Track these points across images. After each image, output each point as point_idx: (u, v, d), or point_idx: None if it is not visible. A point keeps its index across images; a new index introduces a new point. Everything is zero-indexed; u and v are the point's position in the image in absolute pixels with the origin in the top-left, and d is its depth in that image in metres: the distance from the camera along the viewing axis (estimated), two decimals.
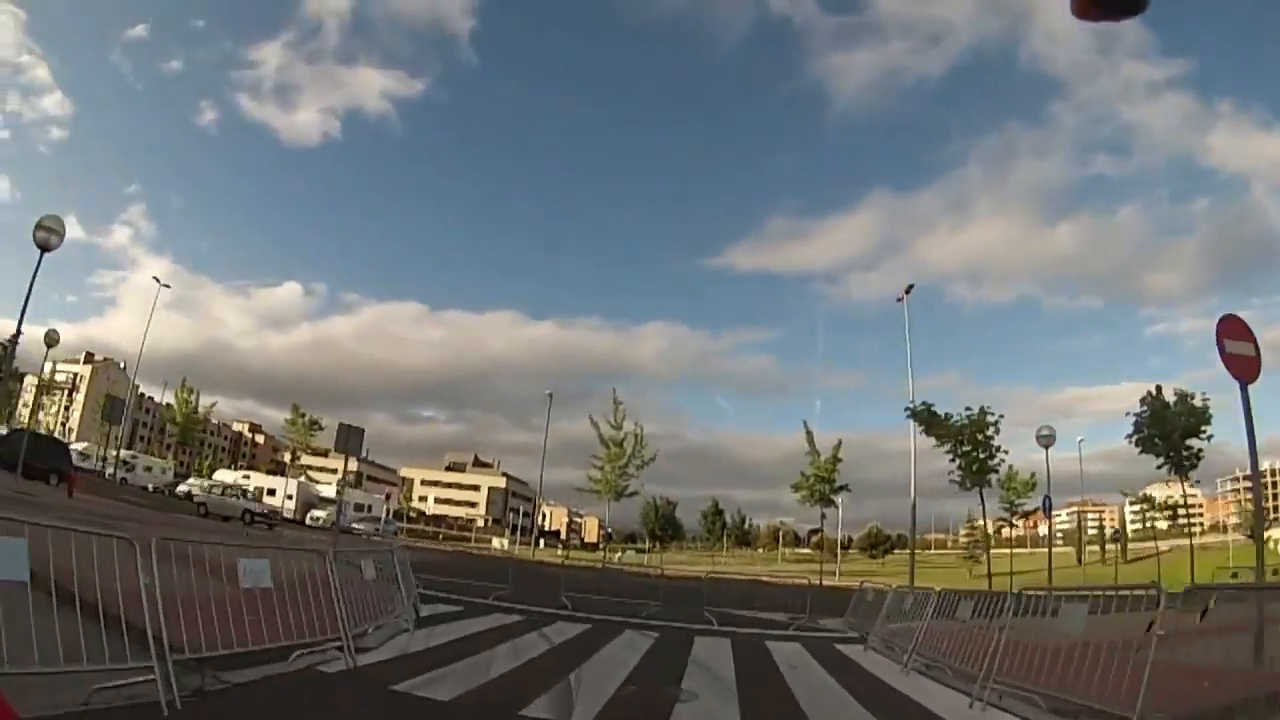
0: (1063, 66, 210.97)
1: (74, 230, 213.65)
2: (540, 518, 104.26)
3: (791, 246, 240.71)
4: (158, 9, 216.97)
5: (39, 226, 22.23)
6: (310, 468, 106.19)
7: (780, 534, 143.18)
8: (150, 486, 65.81)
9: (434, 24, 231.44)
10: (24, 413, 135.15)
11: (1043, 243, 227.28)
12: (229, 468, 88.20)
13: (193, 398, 59.30)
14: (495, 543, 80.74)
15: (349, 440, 23.69)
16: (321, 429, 50.67)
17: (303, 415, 50.64)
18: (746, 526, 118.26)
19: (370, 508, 66.80)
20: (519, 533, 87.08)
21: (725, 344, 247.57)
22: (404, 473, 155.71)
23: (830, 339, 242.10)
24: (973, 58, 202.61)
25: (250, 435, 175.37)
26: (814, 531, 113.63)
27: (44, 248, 22.55)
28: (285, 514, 60.22)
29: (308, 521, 59.93)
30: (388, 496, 72.37)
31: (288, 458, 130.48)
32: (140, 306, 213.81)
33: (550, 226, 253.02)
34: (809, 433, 49.92)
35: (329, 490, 66.66)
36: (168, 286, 56.06)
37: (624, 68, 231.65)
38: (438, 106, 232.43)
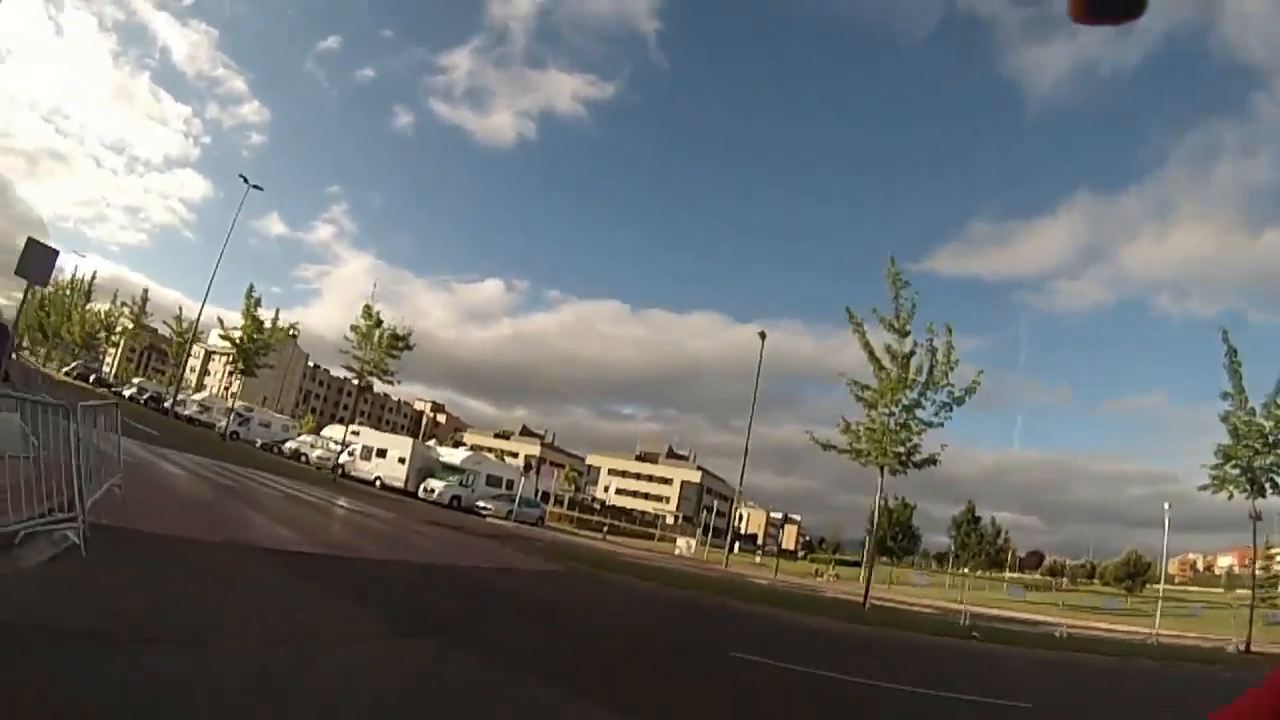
0: (1260, 54, 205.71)
1: (277, 227, 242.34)
2: (737, 519, 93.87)
3: (994, 251, 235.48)
4: (348, 21, 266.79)
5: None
6: (485, 448, 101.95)
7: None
8: (259, 442, 64.79)
9: (621, 26, 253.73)
10: (191, 378, 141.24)
11: (1249, 251, 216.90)
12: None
13: (258, 310, 50.17)
14: (680, 543, 70.49)
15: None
16: (408, 347, 41.17)
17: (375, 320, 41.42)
18: (1001, 542, 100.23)
19: (510, 483, 55.54)
20: (709, 533, 75.80)
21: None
22: (591, 460, 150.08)
23: (1033, 351, 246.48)
24: (1166, 45, 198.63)
25: (432, 414, 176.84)
26: (1033, 553, 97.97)
27: None
28: (391, 480, 54.49)
29: (420, 494, 52.96)
30: (529, 469, 60.45)
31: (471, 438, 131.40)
32: (342, 297, 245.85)
33: (747, 229, 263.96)
34: None
35: (455, 456, 59.31)
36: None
37: (812, 69, 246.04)
38: (631, 108, 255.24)
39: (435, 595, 13.00)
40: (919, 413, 26.78)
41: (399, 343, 42.58)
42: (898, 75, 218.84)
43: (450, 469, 55.85)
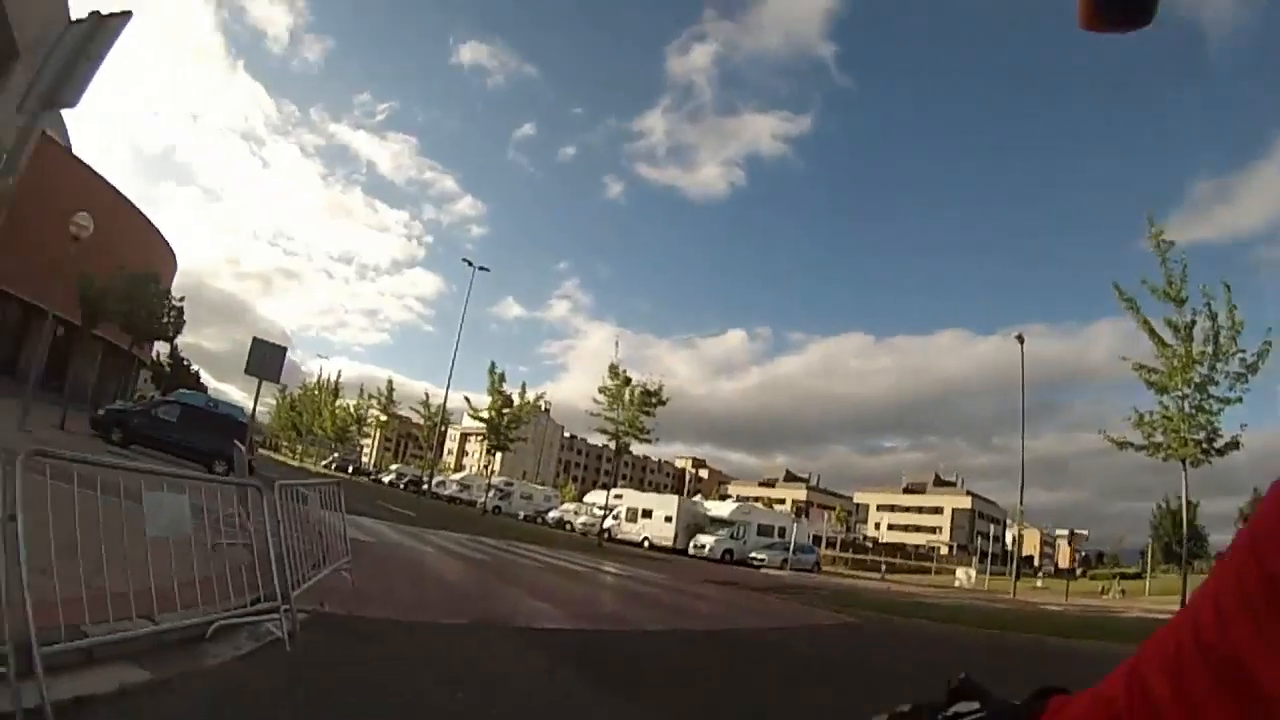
0: None
1: (515, 310, 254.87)
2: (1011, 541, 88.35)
3: (1219, 210, 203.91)
4: (537, 108, 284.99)
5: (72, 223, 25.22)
6: (752, 498, 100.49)
7: None
8: (521, 514, 65.48)
9: (798, 57, 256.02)
10: (449, 459, 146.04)
11: None
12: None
13: (503, 385, 50.08)
14: (959, 574, 65.76)
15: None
16: (661, 403, 39.81)
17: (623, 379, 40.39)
18: None
19: (782, 530, 53.42)
20: (989, 560, 71.51)
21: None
22: (858, 498, 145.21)
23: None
24: None
25: (694, 470, 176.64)
26: None
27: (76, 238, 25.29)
28: (659, 539, 53.01)
29: (690, 550, 51.16)
30: (800, 514, 57.88)
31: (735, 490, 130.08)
32: (589, 368, 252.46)
33: (971, 233, 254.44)
34: None
35: (723, 509, 57.34)
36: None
37: (980, 58, 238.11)
38: (830, 135, 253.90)
39: (724, 671, 10.98)
40: (1212, 389, 22.56)
41: (651, 399, 40.95)
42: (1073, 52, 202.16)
43: (720, 522, 53.87)
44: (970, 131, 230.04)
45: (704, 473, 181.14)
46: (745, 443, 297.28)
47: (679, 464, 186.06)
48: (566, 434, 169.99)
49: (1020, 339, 49.42)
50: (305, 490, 10.69)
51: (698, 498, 74.33)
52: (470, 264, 61.53)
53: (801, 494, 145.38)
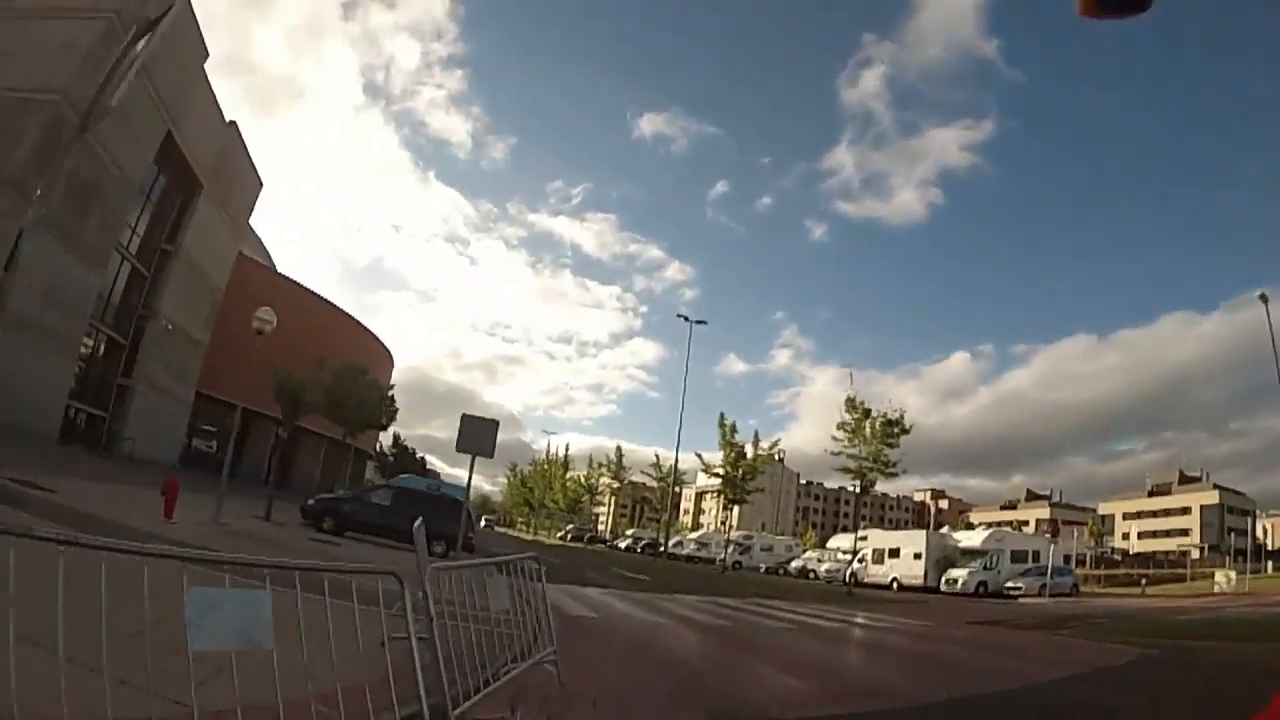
0: None
1: (737, 365, 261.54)
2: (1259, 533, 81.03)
3: None
4: (725, 165, 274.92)
5: (256, 319, 25.18)
6: (996, 523, 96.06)
7: None
8: (763, 567, 63.70)
9: (964, 60, 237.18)
10: (685, 519, 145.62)
11: None
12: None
13: (735, 436, 48.72)
14: (1219, 578, 59.22)
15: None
16: (904, 431, 37.52)
17: (863, 411, 38.24)
18: None
19: (1036, 554, 49.73)
20: (1246, 558, 65.80)
21: None
22: (1103, 509, 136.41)
23: None
24: None
25: (933, 502, 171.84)
26: None
27: (259, 332, 25.13)
28: (909, 579, 49.82)
29: (943, 587, 47.86)
30: (1052, 534, 53.70)
31: (978, 517, 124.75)
32: (818, 413, 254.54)
33: (1168, 206, 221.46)
34: None
35: (974, 539, 53.58)
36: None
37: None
38: (1013, 134, 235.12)
39: None
40: None
41: (893, 429, 38.42)
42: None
43: (971, 553, 50.19)
44: (1155, 97, 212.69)
45: (944, 503, 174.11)
46: (981, 467, 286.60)
47: (917, 497, 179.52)
48: (802, 480, 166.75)
49: (1264, 298, 44.03)
50: (488, 570, 8.93)
51: (944, 529, 71.08)
52: (686, 319, 60.96)
53: (1045, 512, 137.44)
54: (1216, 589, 56.33)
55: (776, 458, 53.89)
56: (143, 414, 46.74)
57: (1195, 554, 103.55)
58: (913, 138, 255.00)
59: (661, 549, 63.60)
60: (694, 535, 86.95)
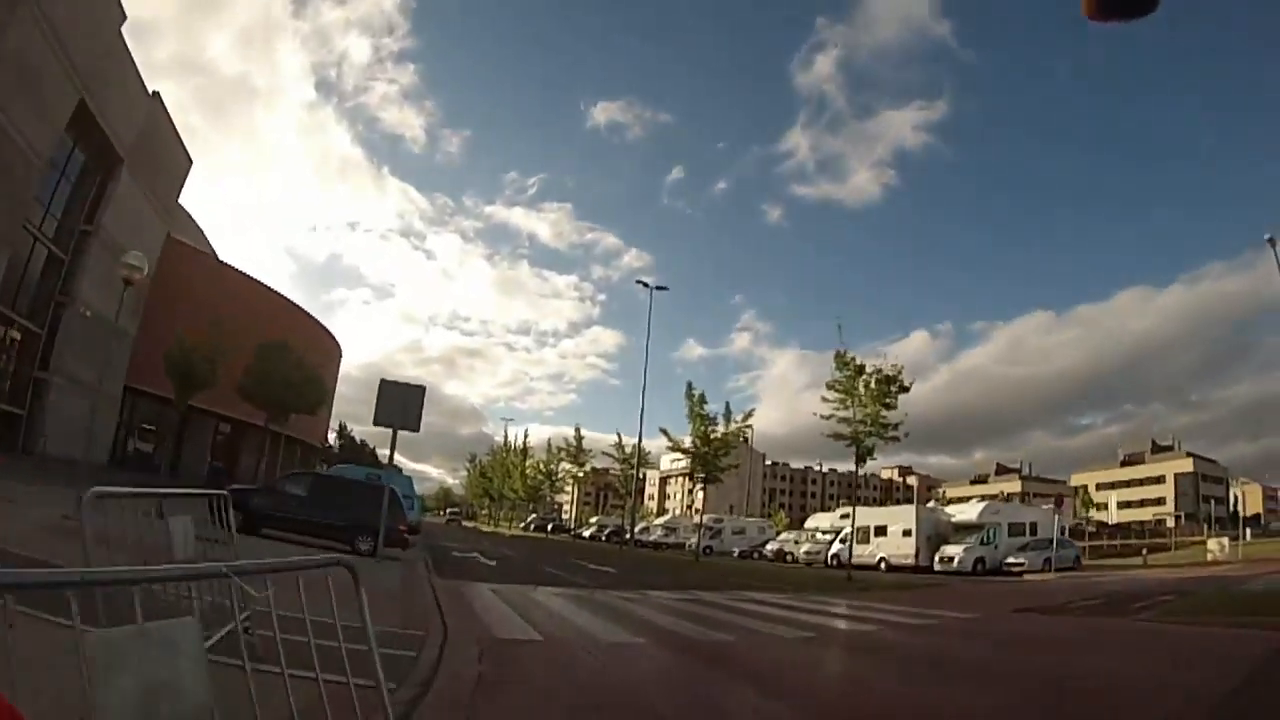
0: None
1: (697, 350, 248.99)
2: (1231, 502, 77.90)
3: None
4: (680, 152, 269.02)
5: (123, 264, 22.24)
6: (964, 498, 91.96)
7: None
8: (735, 551, 59.09)
9: (917, 41, 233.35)
10: (650, 504, 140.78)
11: None
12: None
13: (704, 407, 43.52)
14: (1212, 545, 54.86)
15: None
16: (904, 389, 32.04)
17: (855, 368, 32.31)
18: None
19: (1033, 526, 44.77)
20: (1224, 526, 63.01)
21: None
22: (1074, 480, 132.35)
23: None
24: None
25: (900, 479, 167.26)
26: None
27: (128, 281, 22.42)
28: (898, 558, 44.24)
29: (936, 566, 42.66)
30: (1058, 502, 48.46)
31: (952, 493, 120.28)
32: (779, 395, 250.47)
33: (1126, 181, 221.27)
34: None
35: (969, 512, 47.58)
36: None
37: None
38: (967, 114, 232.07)
39: None
40: None
41: (890, 387, 32.59)
42: None
43: (966, 528, 44.59)
44: (1107, 73, 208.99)
45: (911, 480, 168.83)
46: (942, 444, 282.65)
47: (884, 474, 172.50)
48: (768, 461, 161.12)
49: (1271, 242, 38.44)
50: None
51: (932, 504, 66.05)
52: (646, 284, 55.46)
53: (1015, 485, 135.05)
54: (1210, 557, 52.45)
55: (745, 436, 47.71)
56: (61, 410, 40.69)
57: (1171, 522, 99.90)
58: (867, 120, 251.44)
59: (627, 536, 57.86)
60: (660, 520, 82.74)
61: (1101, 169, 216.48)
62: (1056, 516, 45.37)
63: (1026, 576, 38.96)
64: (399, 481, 36.02)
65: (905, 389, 32.33)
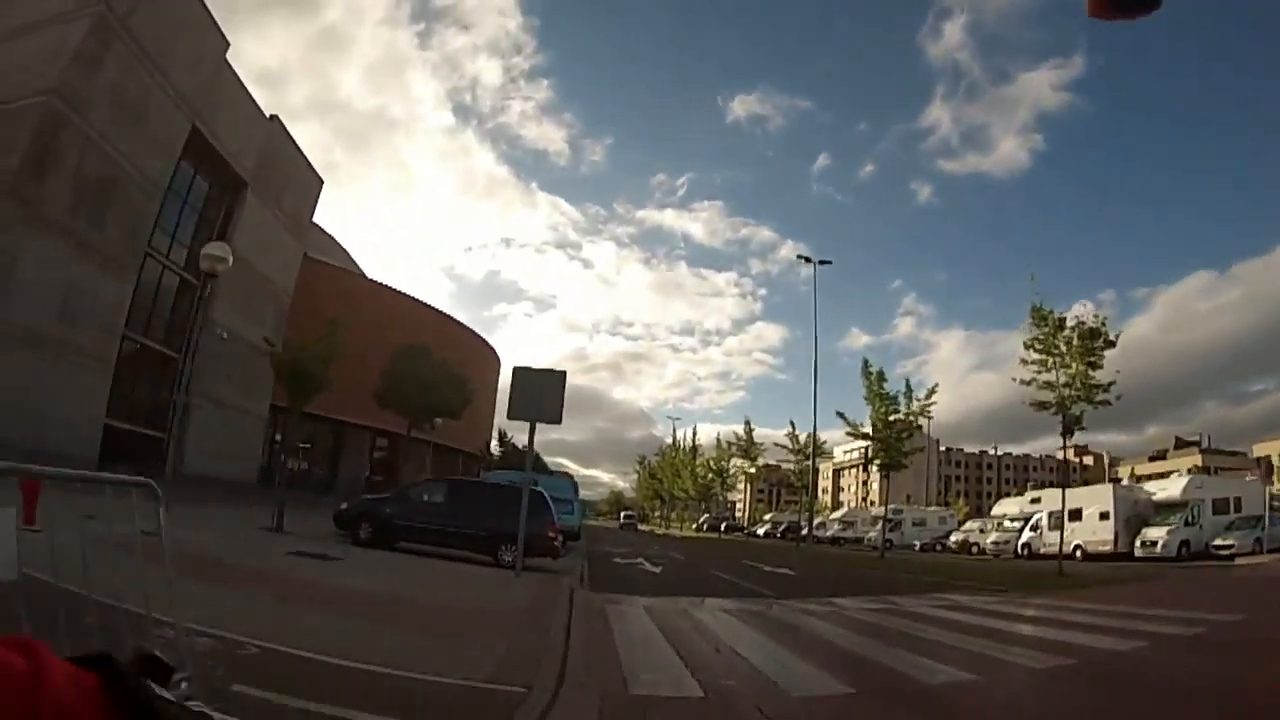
0: None
1: (862, 339, 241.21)
2: None
3: None
4: (824, 137, 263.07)
5: (204, 256, 21.88)
6: (1145, 476, 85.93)
7: None
8: (917, 545, 55.65)
9: None
10: (824, 499, 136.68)
11: None
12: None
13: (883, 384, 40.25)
14: None
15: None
16: (1110, 344, 27.65)
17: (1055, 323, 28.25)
18: None
19: (1238, 501, 40.01)
20: None
21: None
22: (1258, 451, 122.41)
23: None
24: None
25: (1077, 460, 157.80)
26: None
27: (211, 274, 23.01)
28: (1095, 545, 40.23)
29: (1138, 551, 38.37)
30: (1267, 470, 43.06)
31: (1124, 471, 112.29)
32: (945, 378, 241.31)
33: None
34: None
35: (1172, 489, 42.58)
36: None
37: None
38: (1104, 67, 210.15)
39: None
40: None
41: (1095, 341, 28.35)
42: None
43: (1168, 508, 39.97)
44: None
45: (1088, 460, 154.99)
46: (1112, 421, 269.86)
47: (1058, 455, 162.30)
48: (942, 447, 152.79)
49: None
50: None
51: (1124, 482, 60.86)
52: (809, 259, 51.47)
53: (1196, 459, 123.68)
54: None
55: (929, 415, 43.62)
56: (205, 430, 40.46)
57: None
58: (1004, 85, 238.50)
59: (804, 533, 54.25)
60: (836, 515, 78.78)
61: (1247, 109, 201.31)
62: (1267, 490, 40.44)
63: (1239, 560, 34.13)
64: (553, 484, 33.89)
65: (1111, 343, 28.13)
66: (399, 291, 63.74)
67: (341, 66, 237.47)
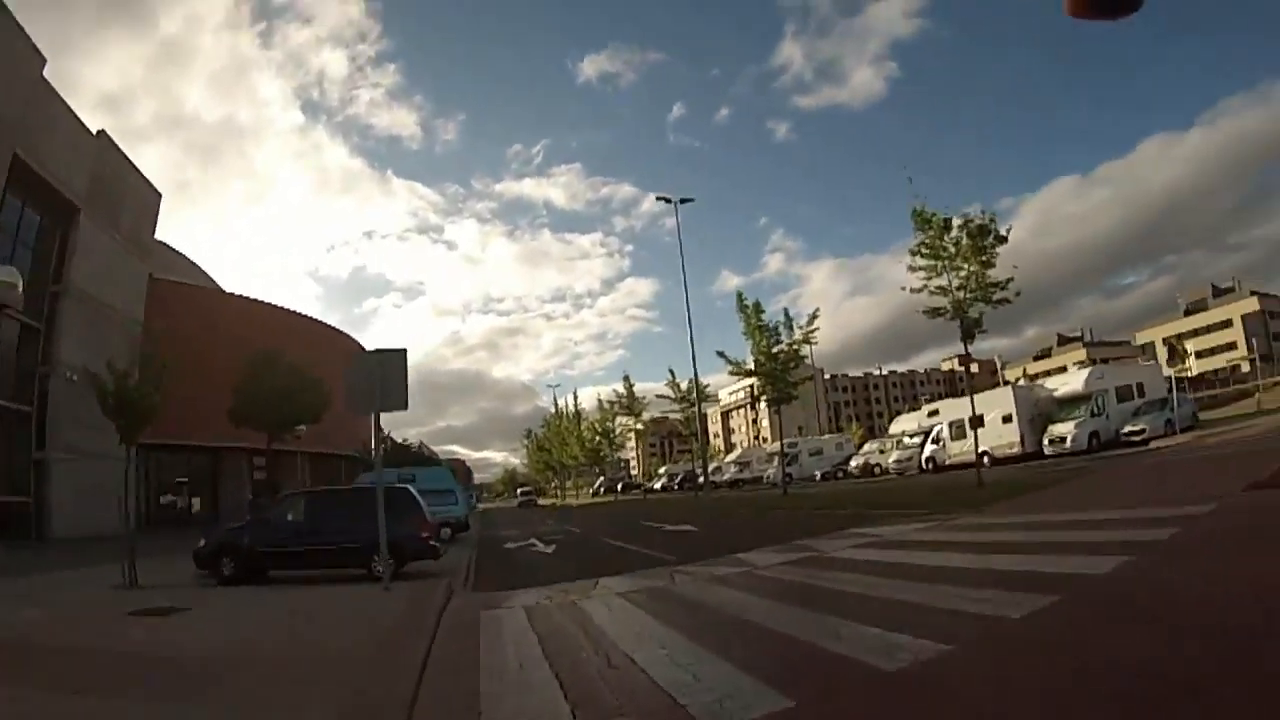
0: None
1: (732, 281, 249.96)
2: None
3: None
4: (677, 87, 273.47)
5: None
6: (1032, 376, 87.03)
7: None
8: (817, 475, 55.39)
9: None
10: (716, 443, 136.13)
11: None
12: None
13: (760, 315, 38.42)
14: None
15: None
16: (1002, 239, 25.48)
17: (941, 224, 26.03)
18: None
19: (1140, 387, 40.77)
20: None
21: None
22: (1139, 339, 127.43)
23: None
24: None
25: (962, 368, 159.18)
26: None
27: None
28: (1003, 449, 40.51)
29: (1046, 449, 38.53)
30: (1171, 354, 42.90)
31: (1010, 375, 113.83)
32: (822, 308, 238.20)
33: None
34: None
35: (1074, 382, 42.35)
36: None
37: None
38: None
39: None
40: None
41: (986, 238, 26.14)
42: None
43: (1071, 402, 39.69)
44: None
45: (974, 368, 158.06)
46: (990, 327, 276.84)
47: (944, 366, 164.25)
48: (827, 375, 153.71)
49: None
50: None
51: (1021, 383, 60.27)
52: (668, 199, 48.32)
53: (1081, 354, 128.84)
54: None
55: (812, 342, 41.72)
56: (67, 485, 36.84)
57: (1246, 366, 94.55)
58: (855, 16, 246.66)
59: (700, 481, 52.85)
60: (731, 457, 79.22)
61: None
62: (1169, 372, 40.12)
63: (1153, 444, 33.76)
64: (430, 475, 31.67)
65: (1003, 239, 26.28)
66: (257, 300, 60.56)
67: (185, 80, 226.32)
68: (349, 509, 18.68)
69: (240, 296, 60.34)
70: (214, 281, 66.20)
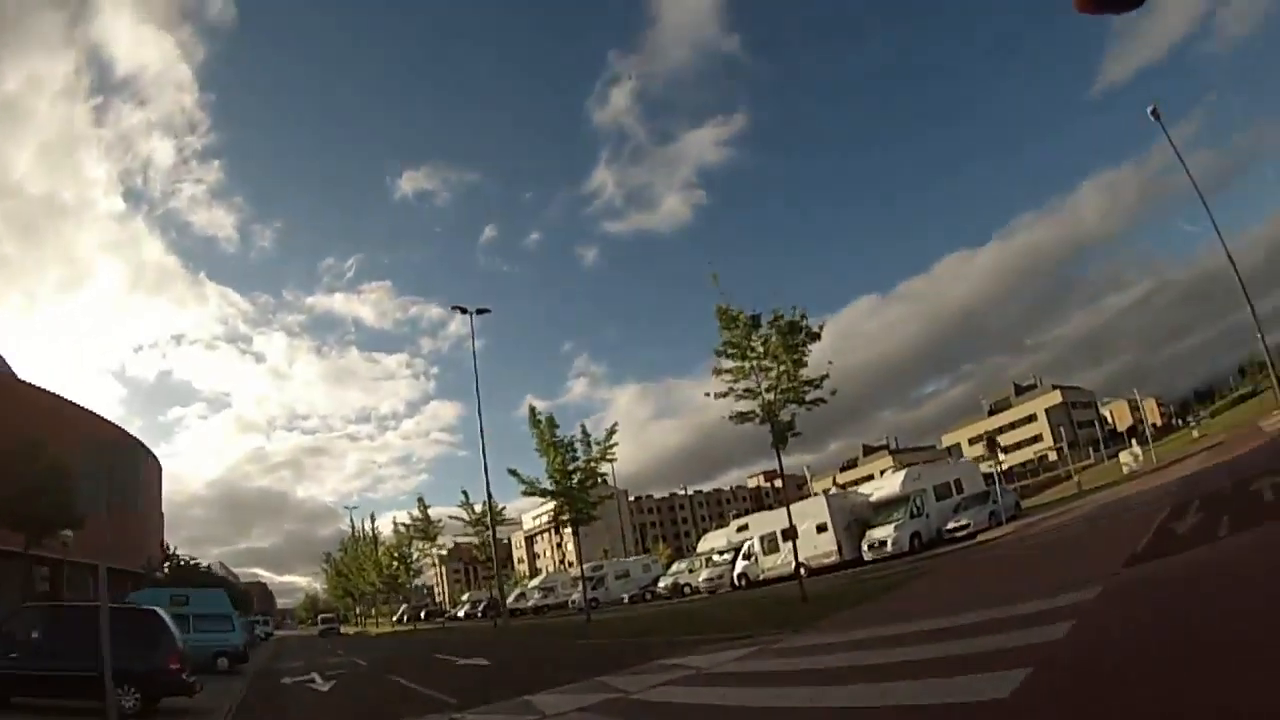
0: None
1: (540, 405, 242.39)
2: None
3: None
4: (491, 208, 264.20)
5: None
6: (842, 486, 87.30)
7: None
8: (625, 598, 52.71)
9: (709, 58, 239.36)
10: (521, 568, 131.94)
11: None
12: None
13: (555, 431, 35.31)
14: (1125, 458, 56.34)
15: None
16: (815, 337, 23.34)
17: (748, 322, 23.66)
18: None
19: (958, 484, 40.29)
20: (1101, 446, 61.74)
21: (1156, 160, 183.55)
22: (946, 441, 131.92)
23: None
24: None
25: (768, 484, 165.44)
26: None
27: None
28: (820, 559, 38.29)
29: (866, 555, 36.50)
30: (990, 445, 41.74)
31: (818, 486, 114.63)
32: (625, 430, 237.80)
33: (933, 154, 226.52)
34: None
35: (890, 485, 41.22)
36: None
37: None
38: (766, 122, 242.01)
39: None
40: None
41: (798, 335, 23.55)
42: None
43: (889, 505, 38.40)
44: (901, 53, 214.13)
45: (778, 483, 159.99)
46: (795, 443, 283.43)
47: (750, 483, 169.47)
48: (631, 497, 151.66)
49: (1155, 114, 35.85)
50: None
51: (832, 490, 59.14)
52: (464, 309, 46.24)
53: (887, 461, 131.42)
54: (1127, 470, 53.08)
55: (611, 458, 38.76)
56: None
57: (1054, 456, 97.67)
58: (669, 145, 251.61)
59: (499, 611, 50.02)
60: (535, 583, 74.34)
61: (901, 142, 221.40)
62: (995, 467, 39.24)
63: (980, 537, 32.87)
64: (204, 598, 30.14)
65: (816, 335, 24.33)
66: (25, 381, 53.42)
67: (16, 144, 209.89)
68: (93, 630, 14.90)
69: (31, 385, 53.09)
70: (7, 365, 59.53)
